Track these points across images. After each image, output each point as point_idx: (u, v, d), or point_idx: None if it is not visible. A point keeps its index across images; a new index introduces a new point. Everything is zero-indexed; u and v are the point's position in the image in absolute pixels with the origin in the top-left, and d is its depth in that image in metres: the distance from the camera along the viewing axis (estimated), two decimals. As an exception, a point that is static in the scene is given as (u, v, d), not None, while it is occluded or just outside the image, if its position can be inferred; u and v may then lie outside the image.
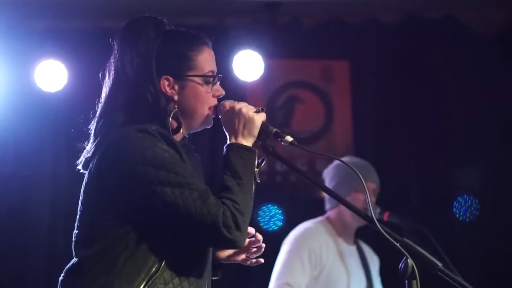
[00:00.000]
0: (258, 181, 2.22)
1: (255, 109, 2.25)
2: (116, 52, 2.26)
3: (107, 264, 2.09)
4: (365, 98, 5.28)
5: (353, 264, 4.09)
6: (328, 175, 4.17)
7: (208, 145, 4.76)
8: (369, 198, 2.25)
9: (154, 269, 2.10)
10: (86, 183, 2.20)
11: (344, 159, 4.07)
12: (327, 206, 4.17)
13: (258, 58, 4.83)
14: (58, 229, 5.02)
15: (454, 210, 5.12)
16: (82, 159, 2.25)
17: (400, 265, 2.06)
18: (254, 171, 2.20)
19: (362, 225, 4.06)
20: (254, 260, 2.39)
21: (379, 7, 5.20)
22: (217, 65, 2.33)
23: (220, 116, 2.29)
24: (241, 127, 2.22)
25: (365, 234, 4.26)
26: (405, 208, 4.95)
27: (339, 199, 2.27)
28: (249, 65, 4.82)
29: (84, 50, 4.94)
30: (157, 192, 2.07)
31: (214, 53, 2.33)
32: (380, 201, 4.11)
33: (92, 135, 2.25)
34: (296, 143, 2.23)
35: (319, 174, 4.47)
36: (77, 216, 2.22)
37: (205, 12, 5.02)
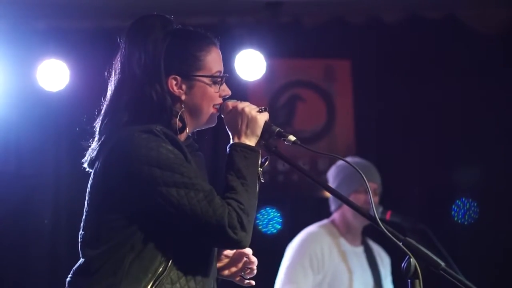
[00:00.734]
0: (262, 181, 2.22)
1: (258, 109, 2.25)
2: (123, 50, 2.25)
3: (114, 264, 2.09)
4: (366, 97, 5.28)
5: (358, 266, 4.08)
6: (330, 177, 4.17)
7: (211, 144, 4.76)
8: (371, 198, 2.25)
9: (161, 269, 2.11)
10: (91, 184, 2.20)
11: (342, 162, 4.08)
12: (332, 208, 4.18)
13: (260, 58, 4.83)
14: (60, 229, 5.03)
15: (453, 213, 5.12)
16: (87, 157, 2.25)
17: (403, 264, 2.06)
18: (258, 170, 2.20)
19: (366, 225, 4.06)
20: (246, 281, 2.38)
21: (380, 7, 5.20)
22: (219, 64, 2.33)
23: (223, 116, 2.29)
24: (244, 127, 2.22)
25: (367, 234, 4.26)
26: (407, 208, 4.95)
27: (342, 198, 2.27)
28: (250, 64, 4.82)
29: (86, 49, 4.95)
30: (163, 193, 2.07)
31: (218, 53, 2.34)
32: (382, 201, 4.12)
33: (97, 133, 2.24)
34: (299, 142, 2.23)
35: (321, 173, 4.48)
36: (83, 217, 2.22)
37: (207, 11, 5.02)
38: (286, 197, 5.24)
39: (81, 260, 2.17)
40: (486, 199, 5.15)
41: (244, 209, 2.10)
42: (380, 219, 2.12)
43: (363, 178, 2.17)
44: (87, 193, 2.21)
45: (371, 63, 5.26)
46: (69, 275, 2.20)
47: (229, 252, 2.37)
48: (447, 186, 5.19)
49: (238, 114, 2.24)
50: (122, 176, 2.10)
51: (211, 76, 2.26)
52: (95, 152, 2.21)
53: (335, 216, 4.14)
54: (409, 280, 2.06)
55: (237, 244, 2.11)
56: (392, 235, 2.09)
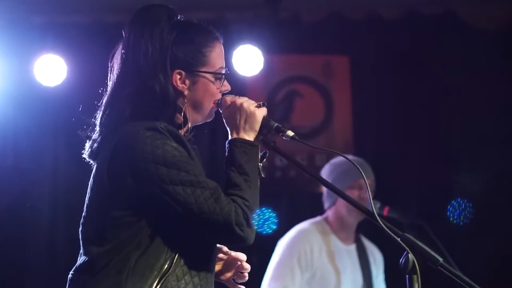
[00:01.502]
0: (262, 175, 2.23)
1: (256, 104, 2.25)
2: (127, 40, 2.22)
3: (120, 262, 2.09)
4: (365, 93, 5.28)
5: (348, 265, 4.08)
6: (324, 175, 4.16)
7: (209, 138, 4.77)
8: (370, 193, 2.25)
9: (166, 266, 2.10)
10: (94, 181, 2.18)
11: (336, 159, 4.09)
12: (325, 205, 4.18)
13: (258, 53, 4.82)
14: (58, 223, 5.03)
15: (448, 213, 5.11)
16: (87, 149, 2.23)
17: (401, 260, 2.06)
18: (258, 165, 2.21)
19: (361, 220, 4.06)
20: (238, 286, 2.40)
21: (379, 3, 5.20)
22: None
23: (221, 111, 2.29)
24: (242, 122, 2.22)
25: (363, 230, 4.26)
26: (405, 203, 4.95)
27: (340, 193, 2.27)
28: (249, 60, 4.81)
29: (84, 44, 4.94)
30: (169, 191, 2.07)
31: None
32: (380, 196, 4.12)
33: (98, 125, 2.22)
34: (297, 137, 2.23)
35: (319, 169, 4.47)
36: (84, 213, 2.20)
37: (205, 6, 5.00)
38: (283, 193, 5.24)
39: (84, 257, 2.16)
40: (485, 199, 5.14)
41: (249, 205, 2.11)
42: (378, 215, 2.12)
43: (361, 173, 2.17)
44: (89, 189, 2.20)
45: (370, 59, 5.25)
46: (71, 272, 2.19)
47: (222, 256, 2.38)
48: (446, 182, 5.18)
49: (237, 109, 2.24)
50: (127, 174, 2.09)
51: (215, 73, 2.26)
52: (96, 144, 2.20)
53: (329, 213, 4.15)
54: (407, 276, 2.06)
55: (244, 241, 2.12)
56: (391, 231, 2.09)
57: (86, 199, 2.20)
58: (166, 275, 2.10)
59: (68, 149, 4.93)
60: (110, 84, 2.25)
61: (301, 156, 5.19)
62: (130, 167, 2.09)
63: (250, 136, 2.22)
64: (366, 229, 4.26)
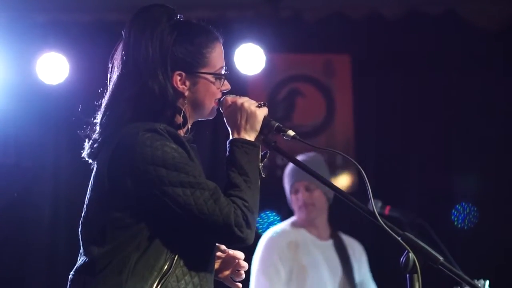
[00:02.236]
0: (263, 176, 2.23)
1: (257, 104, 2.25)
2: (127, 41, 2.22)
3: (120, 262, 2.09)
4: (366, 92, 5.28)
5: (324, 260, 4.12)
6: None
7: (210, 137, 4.77)
8: (370, 192, 2.21)
9: (166, 267, 2.11)
10: (94, 182, 2.19)
11: (302, 156, 4.10)
12: None
13: (259, 52, 4.83)
14: (59, 221, 5.03)
15: (453, 218, 5.11)
16: (87, 149, 2.23)
17: (401, 259, 2.06)
18: (259, 165, 2.21)
19: (329, 215, 4.14)
20: (235, 283, 2.40)
21: (380, 2, 5.20)
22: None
23: (222, 111, 2.29)
24: (243, 122, 2.22)
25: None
26: (405, 202, 4.96)
27: (340, 192, 2.27)
28: (250, 59, 4.82)
29: (86, 43, 4.95)
30: (169, 192, 2.07)
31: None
32: (380, 195, 4.12)
33: (98, 125, 2.23)
34: (298, 137, 2.23)
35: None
36: (84, 213, 2.21)
37: (207, 5, 5.01)
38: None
39: (85, 258, 2.16)
40: (485, 199, 5.15)
41: (249, 206, 2.11)
42: (379, 214, 2.12)
43: (362, 172, 2.17)
44: (89, 190, 2.20)
45: (371, 58, 5.26)
46: (72, 273, 2.19)
47: (220, 254, 2.38)
48: (447, 181, 5.18)
49: (238, 109, 2.24)
50: (127, 176, 2.09)
51: (215, 74, 2.26)
52: (96, 144, 2.20)
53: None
54: (407, 275, 2.06)
55: (243, 242, 2.12)
56: (391, 230, 2.10)
57: (86, 199, 2.21)
58: (166, 275, 2.10)
59: (69, 147, 4.93)
60: (110, 84, 2.25)
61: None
62: (129, 169, 2.09)
63: (251, 136, 2.22)
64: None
